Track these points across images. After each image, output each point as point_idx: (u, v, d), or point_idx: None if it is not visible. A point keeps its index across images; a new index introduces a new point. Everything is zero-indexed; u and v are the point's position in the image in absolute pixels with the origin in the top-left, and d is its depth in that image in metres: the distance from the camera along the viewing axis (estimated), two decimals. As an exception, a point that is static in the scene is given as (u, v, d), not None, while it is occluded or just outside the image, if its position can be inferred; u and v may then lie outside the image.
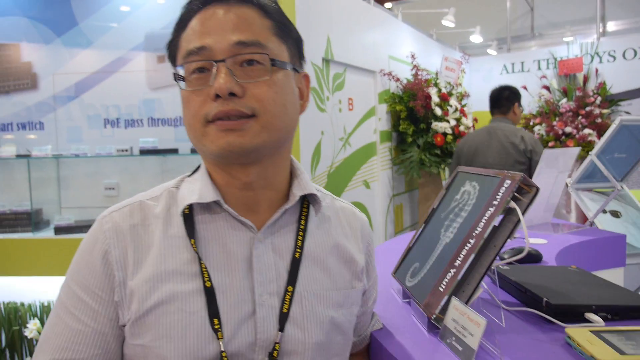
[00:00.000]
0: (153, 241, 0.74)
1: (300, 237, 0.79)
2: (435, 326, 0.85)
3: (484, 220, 0.83)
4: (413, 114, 4.13)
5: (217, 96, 0.69)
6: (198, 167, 0.82)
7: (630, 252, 1.82)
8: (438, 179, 4.46)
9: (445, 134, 4.10)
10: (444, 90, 4.32)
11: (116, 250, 0.73)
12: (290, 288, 0.75)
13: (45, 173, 2.89)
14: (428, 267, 0.94)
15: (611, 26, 6.69)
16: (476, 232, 0.84)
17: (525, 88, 5.93)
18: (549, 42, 7.11)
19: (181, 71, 0.74)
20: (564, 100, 5.50)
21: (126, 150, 2.76)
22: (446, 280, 0.84)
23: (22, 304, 2.63)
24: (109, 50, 2.90)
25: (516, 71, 6.32)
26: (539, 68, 6.14)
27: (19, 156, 2.76)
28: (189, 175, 0.82)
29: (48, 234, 2.75)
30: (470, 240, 0.84)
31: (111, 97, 2.92)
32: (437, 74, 4.52)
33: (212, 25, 0.72)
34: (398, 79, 4.07)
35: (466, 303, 0.81)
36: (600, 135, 5.32)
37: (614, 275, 1.66)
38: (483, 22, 6.54)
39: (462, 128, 4.22)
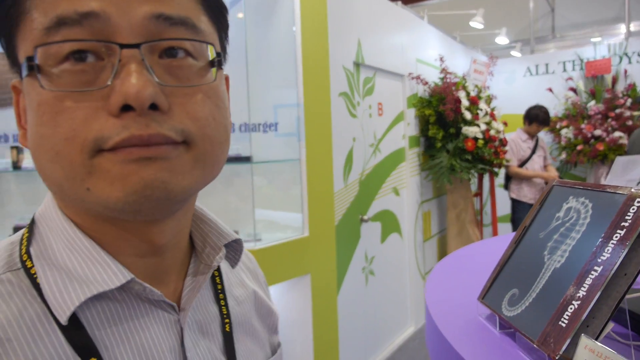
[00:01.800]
0: None
1: (223, 303, 0.58)
2: (557, 367, 0.74)
3: (611, 245, 0.72)
4: (442, 118, 4.01)
5: (125, 108, 0.41)
6: (33, 223, 0.50)
7: None
8: (467, 184, 4.33)
9: (476, 139, 3.98)
10: (472, 94, 4.20)
11: None
12: None
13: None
14: (534, 296, 0.83)
15: (635, 26, 6.53)
16: (601, 258, 0.72)
17: (550, 90, 5.79)
18: (571, 44, 6.96)
19: (40, 56, 0.41)
20: (592, 102, 5.35)
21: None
22: (568, 314, 0.73)
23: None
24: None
25: (540, 73, 6.18)
26: (564, 70, 5.99)
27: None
28: (27, 241, 0.48)
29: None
30: (596, 268, 0.73)
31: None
32: (464, 77, 4.41)
33: None
34: (426, 83, 3.96)
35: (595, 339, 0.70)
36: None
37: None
38: (505, 23, 6.41)
39: (492, 132, 4.10)
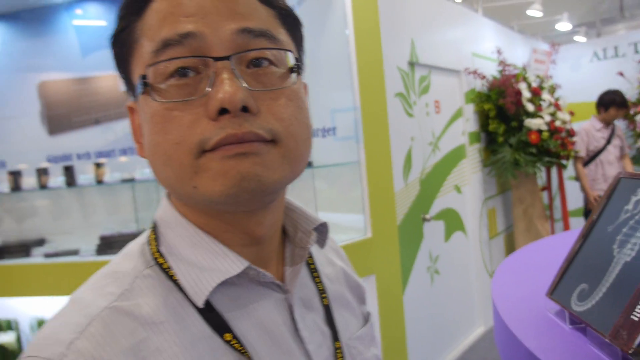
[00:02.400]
0: None
1: (318, 280, 0.65)
2: (631, 361, 0.73)
3: (684, 236, 0.71)
4: (502, 112, 3.91)
5: (222, 112, 0.47)
6: (155, 226, 0.57)
7: None
8: (533, 178, 4.18)
9: (540, 131, 3.84)
10: (534, 85, 4.06)
11: None
12: (337, 344, 0.62)
13: (147, 196, 3.03)
14: (604, 290, 0.83)
15: None
16: (674, 250, 0.71)
17: (621, 74, 5.47)
18: (643, 22, 6.52)
19: (151, 75, 0.49)
20: (670, 84, 4.99)
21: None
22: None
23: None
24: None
25: (609, 57, 5.84)
26: (636, 51, 5.63)
27: (123, 181, 2.90)
28: (155, 242, 0.55)
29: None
30: (669, 260, 0.71)
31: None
32: (524, 68, 4.27)
33: (197, 5, 0.48)
34: (484, 77, 3.87)
35: (671, 335, 0.69)
36: None
37: None
38: (567, 8, 6.11)
39: (558, 123, 3.94)
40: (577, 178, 4.32)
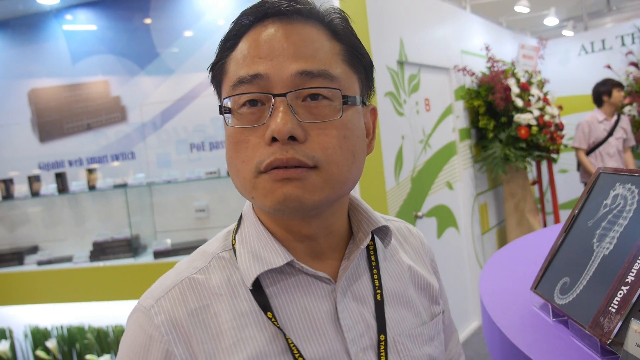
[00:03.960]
0: (221, 326, 0.61)
1: (376, 277, 0.71)
2: (610, 351, 0.75)
3: (658, 229, 0.73)
4: (492, 108, 3.94)
5: (274, 139, 0.57)
6: (240, 218, 0.71)
7: None
8: (524, 173, 4.22)
9: (529, 126, 3.88)
10: (522, 80, 4.09)
11: (180, 348, 0.60)
12: (382, 337, 0.67)
13: (140, 200, 3.04)
14: (585, 283, 0.85)
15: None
16: (649, 242, 0.74)
17: (609, 67, 5.52)
18: (630, 15, 6.57)
19: (229, 102, 0.61)
20: (657, 75, 5.04)
21: (214, 173, 2.83)
22: (617, 299, 0.75)
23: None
24: (190, 76, 3.00)
25: (596, 50, 5.89)
26: (623, 44, 5.68)
27: (116, 186, 2.91)
28: (235, 232, 0.69)
29: (147, 258, 2.87)
30: (644, 253, 0.74)
31: (195, 121, 3.02)
32: (513, 63, 4.30)
33: (269, 47, 0.59)
34: (473, 74, 3.91)
35: (647, 325, 0.71)
36: None
37: None
38: (554, 3, 6.16)
39: (547, 118, 3.98)
40: (580, 168, 4.33)
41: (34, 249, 3.12)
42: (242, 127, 0.60)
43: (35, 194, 2.95)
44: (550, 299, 0.93)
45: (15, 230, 3.24)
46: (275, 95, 0.58)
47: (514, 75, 4.08)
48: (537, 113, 3.94)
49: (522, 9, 5.18)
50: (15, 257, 2.98)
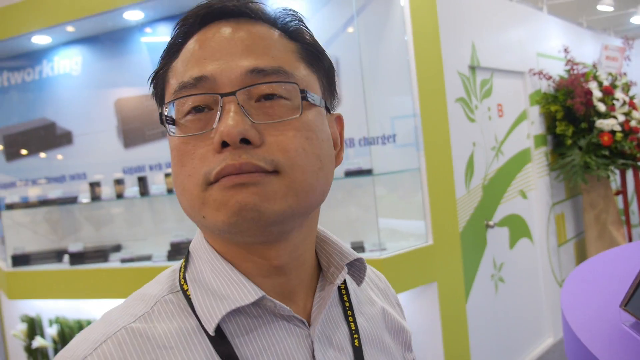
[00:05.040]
0: None
1: (351, 319, 0.62)
2: None
3: None
4: (571, 113, 3.73)
5: (224, 145, 0.49)
6: (188, 254, 0.59)
7: None
8: (606, 182, 3.96)
9: (613, 132, 3.63)
10: (605, 83, 3.85)
11: None
12: None
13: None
14: (685, 303, 0.79)
15: None
16: None
17: None
18: None
19: (172, 111, 0.53)
20: None
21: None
22: None
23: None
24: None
25: (689, 50, 5.41)
26: None
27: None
28: (184, 271, 0.57)
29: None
30: None
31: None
32: (594, 65, 4.05)
33: (215, 47, 0.52)
34: (550, 77, 3.72)
35: None
36: None
37: None
38: (641, 0, 5.73)
39: (633, 123, 3.71)
40: None
41: (117, 247, 3.34)
42: (187, 135, 0.51)
43: (119, 196, 3.16)
44: (644, 318, 0.87)
45: (101, 230, 3.49)
46: (223, 95, 0.50)
47: (595, 78, 3.84)
48: (622, 118, 3.68)
49: (605, 7, 4.87)
50: (101, 254, 3.21)
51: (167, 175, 3.08)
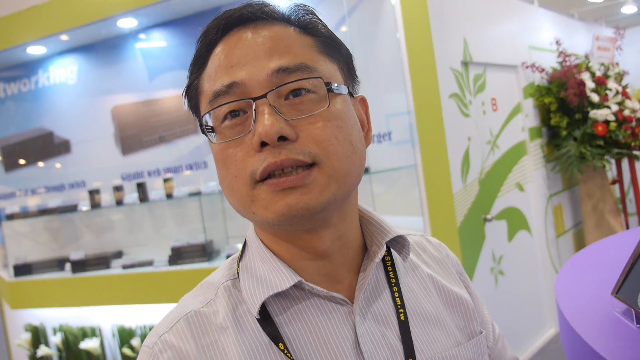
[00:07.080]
0: None
1: (397, 294, 0.64)
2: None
3: None
4: (565, 104, 3.75)
5: (263, 144, 0.53)
6: (245, 244, 0.65)
7: None
8: (602, 172, 3.98)
9: (607, 122, 3.66)
10: (598, 74, 3.87)
11: None
12: None
13: (212, 207, 3.19)
14: (672, 289, 0.81)
15: None
16: None
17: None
18: None
19: (209, 120, 0.57)
20: None
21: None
22: None
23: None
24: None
25: (682, 37, 5.44)
26: None
27: (190, 194, 3.07)
28: (240, 259, 0.64)
29: (221, 262, 2.99)
30: None
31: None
32: (586, 56, 4.08)
33: (240, 54, 0.56)
34: (543, 70, 3.75)
35: None
36: None
37: None
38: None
39: (627, 112, 3.73)
40: None
41: (118, 254, 3.36)
42: (227, 140, 0.56)
43: (119, 202, 3.18)
44: (634, 304, 0.89)
45: (102, 237, 3.51)
46: (255, 99, 0.54)
47: (588, 69, 3.86)
48: (615, 108, 3.70)
49: (595, -1, 4.90)
50: (102, 261, 3.23)
51: (165, 180, 3.10)
